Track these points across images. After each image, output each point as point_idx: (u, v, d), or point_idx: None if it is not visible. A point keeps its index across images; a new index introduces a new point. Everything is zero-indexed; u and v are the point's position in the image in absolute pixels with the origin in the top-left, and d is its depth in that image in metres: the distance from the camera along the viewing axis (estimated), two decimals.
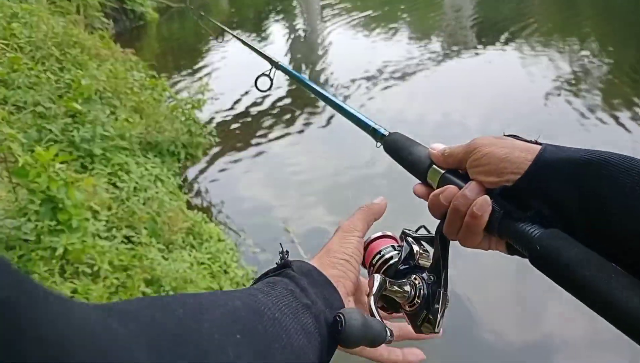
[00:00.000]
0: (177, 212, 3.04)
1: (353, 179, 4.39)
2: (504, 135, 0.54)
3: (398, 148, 0.64)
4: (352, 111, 0.80)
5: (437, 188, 0.56)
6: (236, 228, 3.60)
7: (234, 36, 1.91)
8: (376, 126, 0.73)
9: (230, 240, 3.27)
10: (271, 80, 1.22)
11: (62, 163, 2.52)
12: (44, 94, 3.66)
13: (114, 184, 3.13)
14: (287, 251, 0.52)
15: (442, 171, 0.57)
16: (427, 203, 0.57)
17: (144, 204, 3.04)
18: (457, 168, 0.56)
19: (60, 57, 4.64)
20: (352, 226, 0.58)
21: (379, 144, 0.70)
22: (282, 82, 6.86)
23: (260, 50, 1.34)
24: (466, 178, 0.54)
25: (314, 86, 0.94)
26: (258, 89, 1.22)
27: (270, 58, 1.22)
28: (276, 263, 0.51)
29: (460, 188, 0.53)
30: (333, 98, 0.86)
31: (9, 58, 4.05)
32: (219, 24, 2.70)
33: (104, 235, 2.53)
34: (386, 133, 0.69)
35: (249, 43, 1.57)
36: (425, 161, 0.59)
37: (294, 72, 1.12)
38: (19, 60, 4.04)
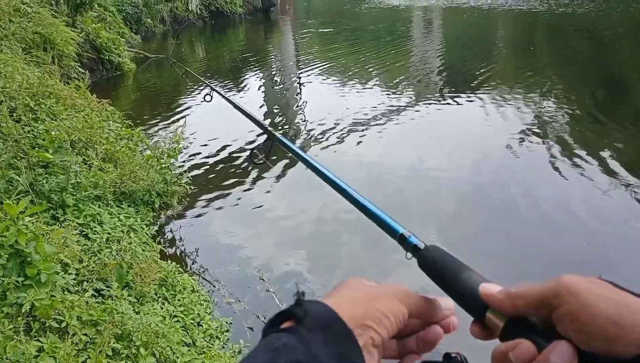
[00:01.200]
0: (150, 263, 2.98)
1: (330, 226, 4.40)
2: (600, 278, 0.42)
3: (441, 270, 0.53)
4: (372, 208, 0.69)
5: (502, 337, 0.45)
6: (210, 278, 3.55)
7: (227, 100, 1.91)
8: (406, 233, 0.61)
9: (204, 291, 3.22)
10: (267, 153, 1.18)
11: (31, 215, 2.49)
12: (15, 146, 3.63)
13: (86, 236, 3.08)
14: (304, 292, 0.44)
15: (507, 318, 0.45)
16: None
17: (116, 255, 2.99)
18: (530, 314, 0.44)
19: (35, 107, 4.63)
20: (407, 293, 0.48)
21: (409, 255, 0.59)
22: (256, 127, 6.95)
23: (256, 118, 1.32)
24: (547, 333, 0.42)
25: (319, 167, 0.87)
26: (253, 163, 1.19)
27: (269, 130, 1.18)
28: (296, 300, 0.44)
29: (538, 345, 0.41)
30: (348, 189, 0.76)
31: None
32: (207, 82, 2.78)
33: (73, 289, 2.46)
34: (420, 244, 0.58)
35: (245, 110, 1.56)
36: (475, 294, 0.48)
37: (294, 147, 1.05)
38: None
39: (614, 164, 5.17)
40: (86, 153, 4.10)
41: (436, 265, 0.54)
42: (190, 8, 21.93)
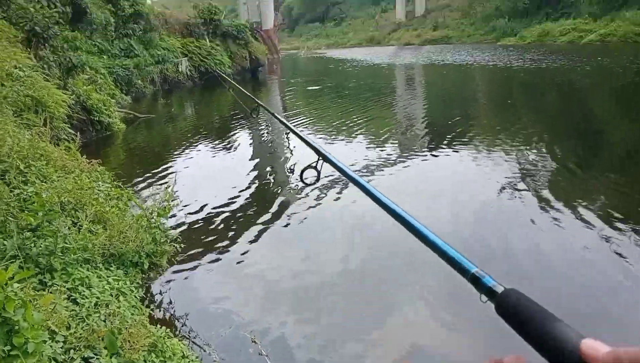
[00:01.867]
0: (139, 328, 2.92)
1: (323, 281, 4.36)
2: None
3: (525, 319, 0.48)
4: (439, 243, 0.58)
5: None
6: (201, 342, 3.46)
7: (275, 116, 1.97)
8: (479, 273, 0.56)
9: (194, 356, 3.13)
10: (318, 172, 1.19)
11: (20, 281, 2.45)
12: (4, 209, 3.61)
13: (74, 301, 3.02)
14: None
15: None
16: None
17: (104, 320, 2.92)
18: None
19: (25, 169, 4.64)
20: None
21: (484, 298, 0.54)
22: (243, 182, 7.00)
23: (304, 137, 1.34)
24: None
25: (373, 192, 0.81)
26: (303, 183, 1.19)
27: (318, 149, 1.19)
28: None
29: None
30: (408, 217, 0.67)
31: None
32: (255, 98, 2.87)
33: (60, 358, 2.39)
34: (498, 288, 0.53)
35: (297, 131, 1.58)
36: (574, 352, 0.43)
37: (344, 168, 1.01)
38: None
39: (591, 216, 5.26)
40: (76, 214, 4.08)
41: (519, 313, 0.49)
42: (180, 70, 22.52)
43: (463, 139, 8.95)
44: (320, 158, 1.12)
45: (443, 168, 7.56)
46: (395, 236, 5.19)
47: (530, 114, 11.76)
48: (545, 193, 6.05)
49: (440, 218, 5.52)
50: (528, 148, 8.08)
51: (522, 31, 41.75)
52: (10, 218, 3.44)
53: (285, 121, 1.96)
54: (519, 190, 6.16)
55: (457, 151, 8.20)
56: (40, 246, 3.19)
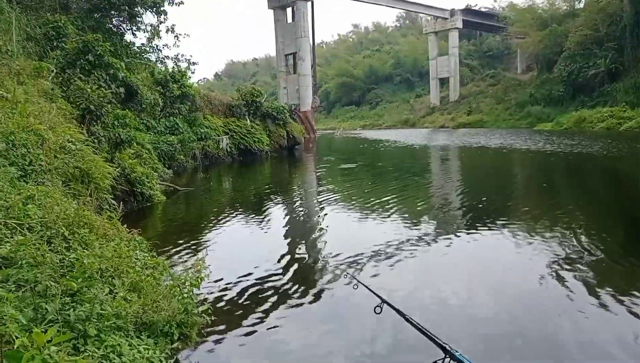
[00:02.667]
0: None
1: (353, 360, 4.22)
2: None
3: None
4: None
5: None
6: None
7: (398, 312, 2.02)
8: None
9: None
10: None
11: (56, 344, 2.49)
12: (46, 273, 3.73)
13: None
14: None
15: None
16: None
17: None
18: None
19: (69, 236, 4.84)
20: None
21: None
22: (276, 258, 7.01)
23: (429, 333, 1.35)
24: None
25: None
26: None
27: (445, 347, 1.22)
28: None
29: None
30: None
31: (17, 241, 4.20)
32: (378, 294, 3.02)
33: None
34: None
35: (416, 323, 1.61)
36: None
37: None
38: (26, 241, 4.20)
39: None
40: (113, 282, 4.18)
41: None
42: (220, 146, 23.52)
43: (500, 222, 8.80)
44: (447, 356, 1.12)
45: (480, 250, 7.40)
46: (424, 315, 5.03)
47: (570, 199, 11.55)
48: (592, 281, 5.80)
49: (478, 302, 5.34)
50: (568, 233, 7.85)
51: (558, 117, 42.00)
52: (52, 283, 3.55)
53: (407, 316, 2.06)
54: (561, 276, 5.93)
55: (494, 234, 8.05)
56: (79, 312, 3.26)
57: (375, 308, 3.41)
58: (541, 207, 10.35)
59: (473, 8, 68.23)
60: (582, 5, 52.02)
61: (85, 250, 4.64)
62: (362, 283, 3.61)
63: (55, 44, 15.36)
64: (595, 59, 42.75)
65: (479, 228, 8.44)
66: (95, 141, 11.49)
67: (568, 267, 6.23)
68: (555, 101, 45.50)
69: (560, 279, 5.83)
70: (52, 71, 12.92)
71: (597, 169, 16.82)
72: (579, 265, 6.31)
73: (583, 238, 7.52)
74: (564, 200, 11.22)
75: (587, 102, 42.17)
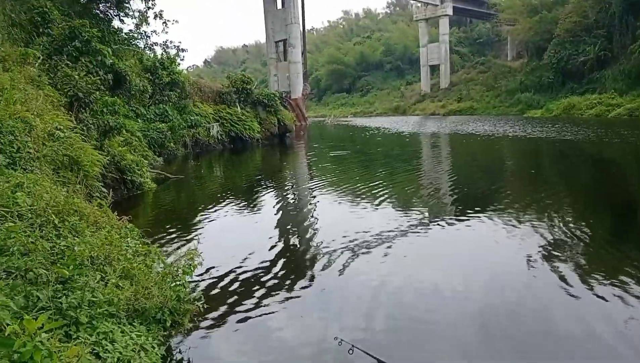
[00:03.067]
0: None
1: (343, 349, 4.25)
2: None
3: None
4: None
5: None
6: None
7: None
8: None
9: None
10: None
11: (48, 331, 2.48)
12: (38, 261, 3.70)
13: (97, 354, 3.02)
14: None
15: None
16: None
17: None
18: None
19: (59, 224, 4.80)
20: None
21: None
22: (267, 245, 7.02)
23: None
24: None
25: None
26: None
27: None
28: None
29: None
30: None
31: (6, 227, 4.16)
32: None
33: None
34: None
35: None
36: None
37: None
38: (16, 228, 4.16)
39: (634, 289, 5.07)
40: (104, 269, 4.16)
41: None
42: (211, 133, 23.37)
43: (490, 208, 8.88)
44: None
45: (469, 236, 7.46)
46: (416, 306, 5.08)
47: (558, 185, 11.66)
48: (582, 263, 5.89)
49: (474, 287, 5.40)
50: (556, 218, 7.94)
51: (548, 104, 42.21)
52: (43, 270, 3.53)
53: None
54: (551, 262, 6.00)
55: (484, 220, 8.11)
56: (71, 300, 3.24)
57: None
58: (530, 193, 10.44)
59: None
60: None
61: (76, 238, 4.61)
62: (357, 348, 3.46)
63: (41, 30, 15.07)
64: (585, 46, 42.92)
65: (467, 215, 8.50)
66: (84, 128, 11.36)
67: (557, 253, 6.31)
68: (545, 88, 45.71)
69: (550, 265, 5.90)
70: (39, 58, 12.69)
71: (585, 155, 16.97)
72: (568, 251, 6.39)
73: (571, 224, 7.61)
74: (552, 186, 11.32)
75: (577, 89, 42.43)
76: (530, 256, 6.19)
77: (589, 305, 4.87)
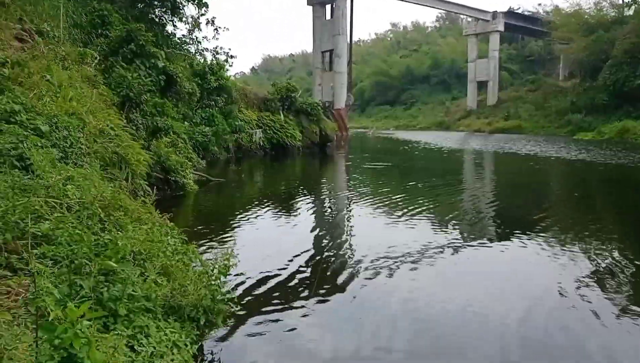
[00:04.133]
0: None
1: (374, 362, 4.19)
2: None
3: None
4: None
5: None
6: None
7: None
8: None
9: None
10: None
11: (87, 320, 2.56)
12: (82, 252, 3.84)
13: (132, 347, 3.09)
14: None
15: None
16: None
17: None
18: None
19: (104, 218, 4.98)
20: None
21: None
22: (303, 253, 7.03)
23: None
24: None
25: None
26: None
27: None
28: None
29: None
30: None
31: (56, 218, 4.35)
32: None
33: None
34: None
35: None
36: None
37: None
38: (65, 219, 4.34)
39: None
40: (144, 264, 4.27)
41: None
42: (254, 139, 23.75)
43: (533, 231, 8.58)
44: None
45: (507, 259, 7.23)
46: (445, 323, 4.95)
47: (610, 211, 11.17)
48: (622, 298, 5.60)
49: (505, 312, 5.22)
50: (604, 246, 7.60)
51: (600, 126, 40.59)
52: (87, 261, 3.66)
53: None
54: (592, 290, 5.74)
55: (524, 243, 7.85)
56: (112, 292, 3.34)
57: None
58: (573, 219, 10.05)
59: (516, 11, 66.54)
60: (631, 12, 50.01)
61: (119, 232, 4.77)
62: None
63: (99, 31, 15.80)
64: None
65: (508, 236, 8.26)
66: (134, 128, 11.78)
67: (596, 284, 6.01)
68: (598, 109, 43.97)
69: (588, 296, 5.63)
70: (96, 58, 13.30)
71: (636, 182, 16.19)
72: (608, 282, 6.09)
73: (616, 253, 7.24)
74: (603, 213, 10.85)
75: (632, 112, 40.61)
76: (567, 285, 5.93)
77: (622, 340, 4.61)
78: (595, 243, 7.78)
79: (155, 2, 20.61)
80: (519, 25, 65.62)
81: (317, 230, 9.12)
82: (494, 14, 61.92)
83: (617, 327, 4.85)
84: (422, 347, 4.50)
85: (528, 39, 75.12)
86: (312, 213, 10.73)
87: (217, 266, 4.73)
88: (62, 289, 3.20)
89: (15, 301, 3.14)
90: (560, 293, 5.68)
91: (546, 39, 63.47)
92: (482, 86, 65.83)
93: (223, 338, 4.51)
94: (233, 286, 5.68)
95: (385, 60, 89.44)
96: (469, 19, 66.11)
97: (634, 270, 6.52)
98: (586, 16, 54.68)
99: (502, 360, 4.24)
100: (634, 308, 5.26)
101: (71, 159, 7.17)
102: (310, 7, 44.71)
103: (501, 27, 62.04)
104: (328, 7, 43.68)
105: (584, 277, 6.19)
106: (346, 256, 7.28)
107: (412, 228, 8.94)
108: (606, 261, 6.85)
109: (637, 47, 42.00)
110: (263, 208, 10.94)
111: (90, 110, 9.23)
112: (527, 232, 8.42)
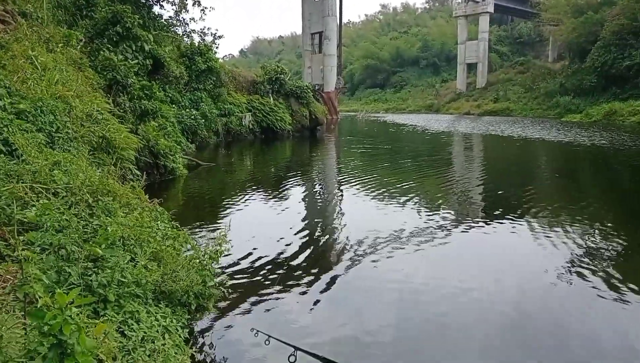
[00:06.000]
0: None
1: (362, 345, 4.23)
2: None
3: None
4: None
5: None
6: None
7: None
8: None
9: None
10: None
11: (78, 306, 2.54)
12: (70, 238, 3.80)
13: (122, 333, 3.08)
14: None
15: None
16: None
17: (149, 356, 2.95)
18: None
19: (93, 203, 4.92)
20: None
21: None
22: (293, 235, 7.03)
23: None
24: None
25: None
26: None
27: None
28: None
29: None
30: None
31: (42, 204, 4.28)
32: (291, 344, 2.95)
33: None
34: None
35: None
36: None
37: None
38: (51, 206, 4.28)
39: None
40: (134, 250, 4.24)
41: None
42: (243, 123, 23.56)
43: (520, 212, 8.67)
44: None
45: (498, 240, 7.31)
46: (439, 306, 5.00)
47: (599, 191, 11.30)
48: (616, 273, 5.69)
49: (503, 293, 5.29)
50: (590, 226, 7.70)
51: (588, 108, 40.82)
52: (75, 248, 3.62)
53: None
54: (578, 271, 5.82)
55: (513, 224, 7.93)
56: (100, 278, 3.32)
57: (289, 357, 3.65)
58: (563, 199, 10.15)
59: None
60: None
61: (108, 218, 4.72)
62: (273, 337, 3.80)
63: (84, 13, 15.45)
64: (631, 50, 41.20)
65: (496, 217, 8.34)
66: (121, 111, 11.62)
67: (588, 261, 6.11)
68: (586, 91, 44.15)
69: (579, 275, 5.72)
70: (81, 40, 13.03)
71: (623, 163, 16.36)
72: (595, 260, 6.18)
73: (604, 232, 7.35)
74: (593, 193, 10.97)
75: (619, 94, 40.84)
76: (559, 264, 6.02)
77: (614, 316, 4.71)
78: (583, 224, 7.87)
79: None
80: (508, 7, 65.33)
81: (308, 213, 9.13)
82: None
83: (609, 304, 4.93)
84: (410, 329, 4.54)
85: (518, 20, 74.94)
86: (302, 197, 10.72)
87: (208, 251, 4.72)
88: (50, 276, 3.18)
89: (3, 288, 3.10)
90: (551, 273, 5.76)
91: (536, 20, 63.29)
92: (471, 68, 65.75)
93: (214, 322, 4.52)
94: (224, 269, 5.68)
95: (375, 42, 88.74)
96: (459, 0, 65.68)
97: (621, 247, 6.63)
98: None
99: (492, 339, 4.30)
100: (624, 285, 5.34)
101: (58, 144, 7.05)
102: None
103: (491, 9, 61.73)
104: None
105: (574, 256, 6.29)
106: (336, 239, 7.31)
107: (402, 211, 8.98)
108: (596, 239, 6.95)
109: (625, 29, 42.06)
110: (253, 192, 10.90)
111: (77, 93, 9.07)
112: (517, 214, 8.50)
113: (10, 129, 5.82)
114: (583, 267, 5.92)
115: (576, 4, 52.41)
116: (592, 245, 6.77)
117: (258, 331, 3.90)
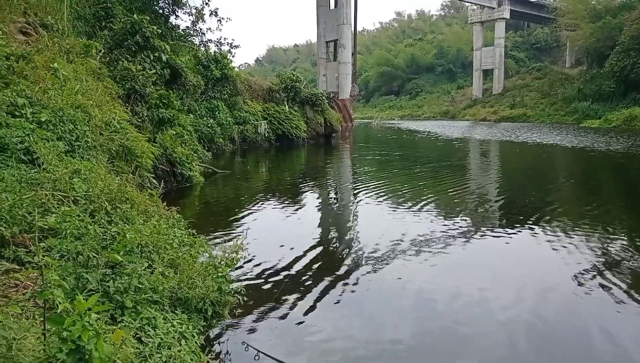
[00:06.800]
0: None
1: (380, 351, 4.20)
2: None
3: None
4: None
5: None
6: None
7: None
8: None
9: None
10: None
11: (95, 313, 2.57)
12: (89, 245, 3.86)
13: (139, 339, 3.11)
14: None
15: None
16: None
17: (165, 362, 2.97)
18: None
19: (111, 211, 4.99)
20: None
21: None
22: (309, 243, 7.03)
23: None
24: None
25: None
26: None
27: None
28: None
29: None
30: None
31: (62, 211, 4.36)
32: None
33: None
34: None
35: None
36: None
37: None
38: (71, 213, 4.35)
39: None
40: (151, 257, 4.28)
41: None
42: (259, 131, 23.72)
43: (539, 219, 8.55)
44: None
45: (516, 247, 7.21)
46: (454, 312, 4.94)
47: (618, 198, 11.09)
48: (629, 285, 5.57)
49: (521, 300, 5.22)
50: (611, 234, 7.55)
51: (607, 114, 40.19)
52: (94, 254, 3.67)
53: None
54: (597, 280, 5.71)
55: (532, 232, 7.82)
56: (118, 284, 3.36)
57: None
58: (586, 205, 9.98)
59: None
60: None
61: (126, 225, 4.78)
62: (264, 353, 3.82)
63: (103, 24, 15.76)
64: None
65: (515, 225, 8.23)
66: (139, 120, 11.78)
67: (605, 270, 5.99)
68: (605, 97, 43.50)
69: (594, 282, 5.61)
70: (100, 51, 13.27)
71: None
72: (616, 269, 6.05)
73: (625, 240, 7.21)
74: (613, 200, 10.77)
75: (639, 100, 40.20)
76: (578, 272, 5.92)
77: (632, 326, 4.60)
78: (604, 229, 7.73)
79: None
80: (525, 12, 64.92)
81: (323, 221, 9.13)
82: (500, 1, 61.25)
83: (627, 313, 4.83)
84: (424, 338, 4.49)
85: (534, 26, 74.42)
86: (317, 205, 10.72)
87: (224, 258, 4.74)
88: (69, 282, 3.22)
89: (24, 294, 3.16)
90: (569, 281, 5.66)
91: (552, 25, 62.76)
92: (487, 74, 65.35)
93: (230, 329, 4.53)
94: (240, 277, 5.70)
95: (390, 49, 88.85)
96: (474, 7, 65.43)
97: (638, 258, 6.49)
98: (593, 2, 53.87)
99: (507, 349, 4.24)
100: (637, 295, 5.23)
101: (77, 152, 7.18)
102: None
103: (507, 15, 61.39)
104: None
105: (593, 264, 6.17)
106: (351, 246, 7.28)
107: (417, 218, 8.91)
108: (614, 247, 6.81)
109: None
110: (269, 199, 10.94)
111: (96, 103, 9.23)
112: (535, 222, 8.39)
113: (31, 138, 5.94)
114: (604, 275, 5.81)
115: (594, 9, 51.84)
116: (613, 252, 6.64)
117: (248, 345, 4.01)
